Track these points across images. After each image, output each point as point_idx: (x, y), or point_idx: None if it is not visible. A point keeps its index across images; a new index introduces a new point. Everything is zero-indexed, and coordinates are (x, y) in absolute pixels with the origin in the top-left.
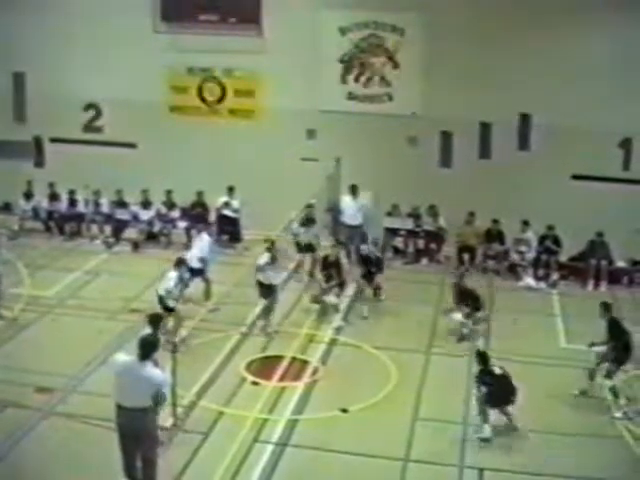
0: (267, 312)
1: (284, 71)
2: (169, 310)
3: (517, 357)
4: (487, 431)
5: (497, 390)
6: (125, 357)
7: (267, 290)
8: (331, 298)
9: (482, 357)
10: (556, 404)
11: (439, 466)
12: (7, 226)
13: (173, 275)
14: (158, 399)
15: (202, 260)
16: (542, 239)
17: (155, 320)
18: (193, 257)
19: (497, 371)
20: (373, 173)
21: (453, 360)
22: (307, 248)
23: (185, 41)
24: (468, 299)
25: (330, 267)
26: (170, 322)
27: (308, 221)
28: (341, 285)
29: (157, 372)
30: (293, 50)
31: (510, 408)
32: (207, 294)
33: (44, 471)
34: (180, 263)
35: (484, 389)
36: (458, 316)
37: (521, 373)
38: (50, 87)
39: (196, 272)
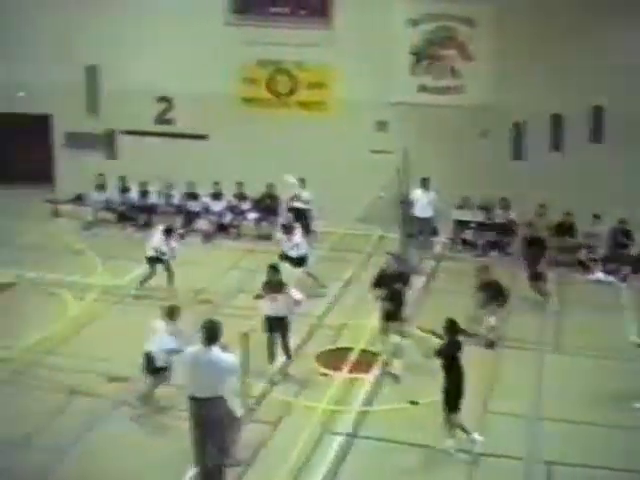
0: None
1: (355, 63)
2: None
3: (588, 352)
4: (477, 441)
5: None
6: (192, 348)
7: None
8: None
9: (450, 327)
10: (626, 399)
11: (505, 459)
12: (81, 217)
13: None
14: (232, 387)
15: (157, 251)
16: (613, 232)
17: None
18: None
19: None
20: (444, 165)
21: (522, 353)
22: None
23: (256, 34)
24: (497, 295)
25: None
26: None
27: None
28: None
29: (225, 355)
30: (364, 42)
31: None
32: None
33: (114, 460)
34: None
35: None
36: (492, 321)
37: (592, 368)
38: (123, 80)
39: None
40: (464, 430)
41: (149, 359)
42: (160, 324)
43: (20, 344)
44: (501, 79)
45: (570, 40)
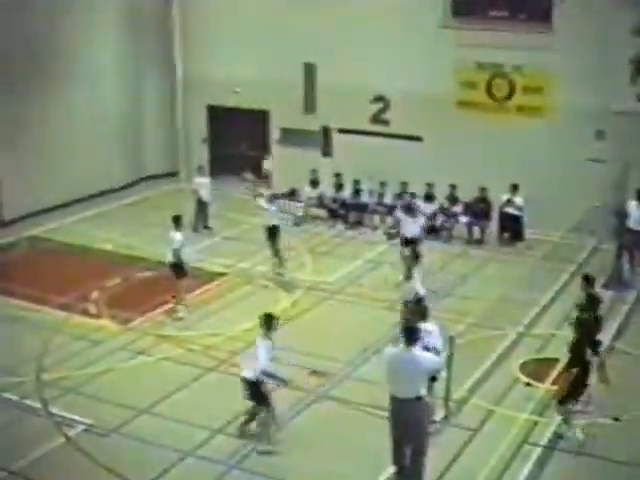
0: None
1: (574, 69)
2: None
3: None
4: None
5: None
6: (393, 348)
7: None
8: None
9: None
10: None
11: None
12: (292, 212)
13: None
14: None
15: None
16: None
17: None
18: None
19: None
20: None
21: None
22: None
23: (473, 36)
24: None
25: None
26: None
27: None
28: None
29: (428, 354)
30: (584, 48)
31: None
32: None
33: (312, 452)
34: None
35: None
36: None
37: None
38: (340, 78)
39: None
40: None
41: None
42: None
43: (228, 332)
44: None
45: None
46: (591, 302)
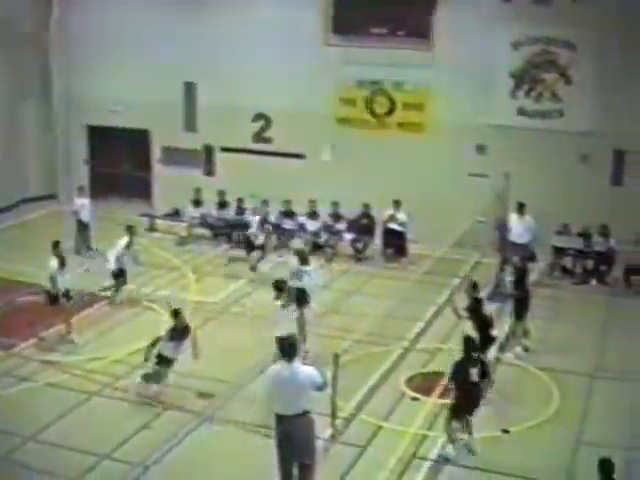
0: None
1: (454, 85)
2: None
3: None
4: (451, 452)
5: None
6: (275, 366)
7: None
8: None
9: (467, 343)
10: None
11: None
12: (175, 232)
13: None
14: (322, 386)
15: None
16: None
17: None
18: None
19: (473, 378)
20: (542, 190)
21: (618, 384)
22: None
23: (354, 54)
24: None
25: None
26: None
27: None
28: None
29: (309, 368)
30: (463, 64)
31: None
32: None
33: (201, 474)
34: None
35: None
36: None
37: None
38: (221, 97)
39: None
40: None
41: None
42: None
43: (112, 356)
44: (602, 104)
45: None
46: (476, 304)
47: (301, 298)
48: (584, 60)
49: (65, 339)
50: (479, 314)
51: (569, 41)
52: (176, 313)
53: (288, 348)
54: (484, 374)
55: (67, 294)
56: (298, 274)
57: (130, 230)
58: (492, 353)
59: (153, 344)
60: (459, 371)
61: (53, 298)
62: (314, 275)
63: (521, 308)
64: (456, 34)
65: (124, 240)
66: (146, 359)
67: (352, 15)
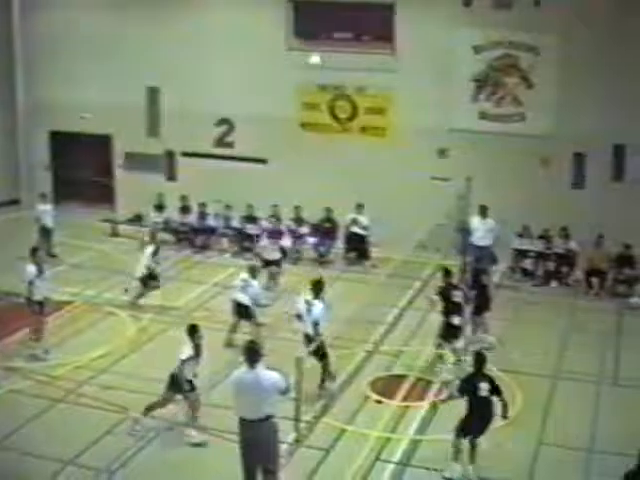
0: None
1: (416, 89)
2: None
3: None
4: (456, 472)
5: (474, 413)
6: (238, 370)
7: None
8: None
9: (478, 359)
10: None
11: None
12: (138, 237)
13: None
14: (285, 391)
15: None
16: None
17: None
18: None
19: (482, 392)
20: (504, 193)
21: (580, 385)
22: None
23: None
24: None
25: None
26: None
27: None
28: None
29: (270, 373)
30: (426, 68)
31: (481, 438)
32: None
33: None
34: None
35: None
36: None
37: None
38: (184, 101)
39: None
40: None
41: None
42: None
43: (75, 362)
44: (563, 108)
45: (634, 70)
46: (447, 289)
47: (242, 312)
48: (545, 64)
49: (29, 345)
50: (449, 299)
51: (530, 45)
52: (193, 329)
53: (251, 353)
54: (497, 391)
55: (43, 302)
56: (244, 287)
57: (154, 238)
58: (459, 344)
59: (173, 382)
60: (468, 385)
61: (39, 305)
62: (259, 290)
63: (479, 307)
64: (418, 39)
65: (150, 248)
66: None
67: (315, 19)
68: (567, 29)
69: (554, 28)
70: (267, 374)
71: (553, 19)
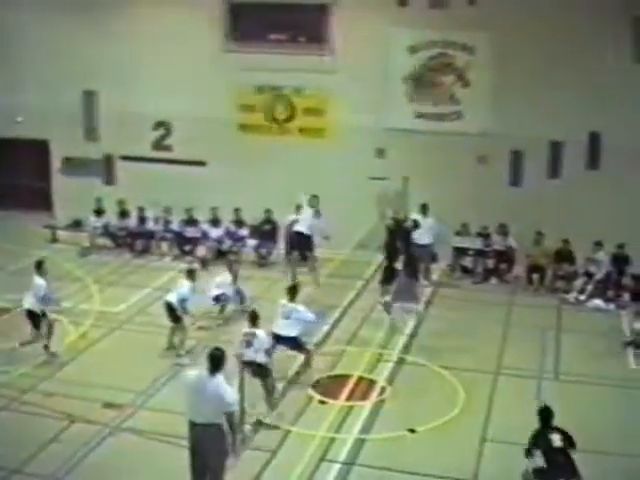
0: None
1: (353, 90)
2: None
3: (585, 379)
4: None
5: (551, 467)
6: (195, 372)
7: None
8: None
9: (543, 413)
10: (625, 426)
11: None
12: (78, 243)
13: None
14: (231, 420)
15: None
16: (614, 259)
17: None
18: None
19: (556, 443)
20: (442, 192)
21: (521, 381)
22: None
23: (254, 60)
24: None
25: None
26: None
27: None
28: None
29: (228, 389)
30: (362, 68)
31: None
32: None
33: None
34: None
35: (538, 460)
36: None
37: (589, 394)
38: (122, 105)
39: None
40: None
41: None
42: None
43: (16, 370)
44: (499, 106)
45: (569, 67)
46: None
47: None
48: (481, 63)
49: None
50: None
51: (466, 44)
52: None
53: (215, 360)
54: (571, 443)
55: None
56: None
57: (191, 276)
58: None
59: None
60: (540, 439)
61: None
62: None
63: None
64: (354, 39)
65: (187, 286)
66: None
67: (250, 21)
68: (502, 27)
69: (489, 26)
70: (225, 390)
71: (488, 18)
